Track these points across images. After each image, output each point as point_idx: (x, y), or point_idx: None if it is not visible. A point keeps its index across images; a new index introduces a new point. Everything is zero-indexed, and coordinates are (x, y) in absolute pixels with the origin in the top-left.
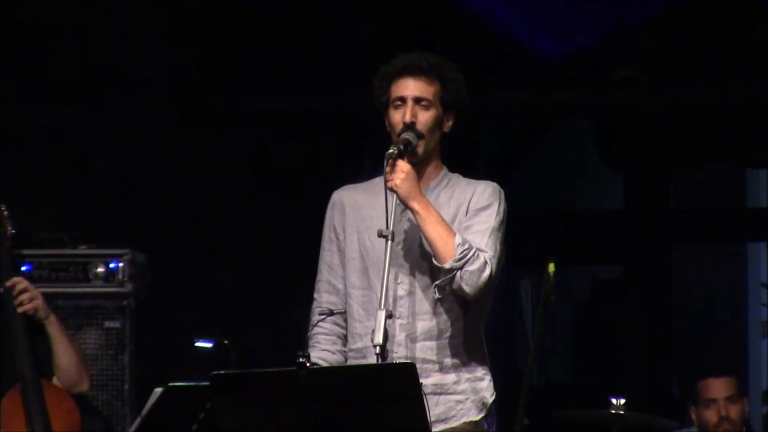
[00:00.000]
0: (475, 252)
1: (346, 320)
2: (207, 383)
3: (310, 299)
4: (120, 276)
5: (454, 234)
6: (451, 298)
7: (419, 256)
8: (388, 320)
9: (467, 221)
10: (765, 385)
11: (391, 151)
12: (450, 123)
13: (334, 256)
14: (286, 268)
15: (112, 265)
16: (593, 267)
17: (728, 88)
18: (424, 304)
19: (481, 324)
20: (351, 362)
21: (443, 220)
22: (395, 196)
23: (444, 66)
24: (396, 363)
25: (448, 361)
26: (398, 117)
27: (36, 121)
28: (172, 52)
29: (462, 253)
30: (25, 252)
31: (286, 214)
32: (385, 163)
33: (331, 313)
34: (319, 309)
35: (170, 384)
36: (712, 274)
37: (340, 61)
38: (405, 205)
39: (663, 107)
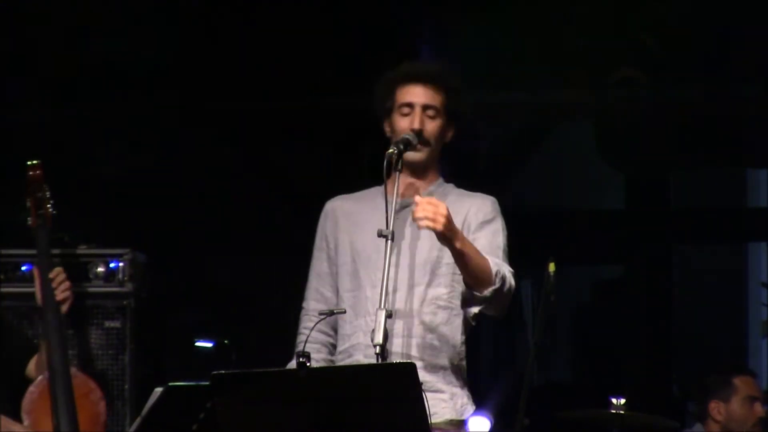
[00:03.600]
0: (503, 276)
1: (334, 328)
2: (207, 383)
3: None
4: (120, 276)
5: (488, 260)
6: (437, 302)
7: (410, 257)
8: (375, 315)
9: (474, 234)
10: (765, 385)
11: (391, 150)
12: (450, 134)
13: (323, 265)
14: (287, 268)
15: (112, 265)
16: (593, 267)
17: (728, 88)
18: (409, 303)
19: (463, 335)
20: (340, 364)
21: (477, 249)
22: (395, 197)
23: (450, 76)
24: (396, 363)
25: (430, 360)
26: (405, 123)
27: (36, 121)
28: (172, 51)
29: (500, 281)
30: (26, 252)
31: (286, 214)
32: (385, 162)
33: (331, 312)
34: (306, 317)
35: (170, 384)
36: (712, 274)
37: (339, 62)
38: (445, 243)
39: (663, 107)
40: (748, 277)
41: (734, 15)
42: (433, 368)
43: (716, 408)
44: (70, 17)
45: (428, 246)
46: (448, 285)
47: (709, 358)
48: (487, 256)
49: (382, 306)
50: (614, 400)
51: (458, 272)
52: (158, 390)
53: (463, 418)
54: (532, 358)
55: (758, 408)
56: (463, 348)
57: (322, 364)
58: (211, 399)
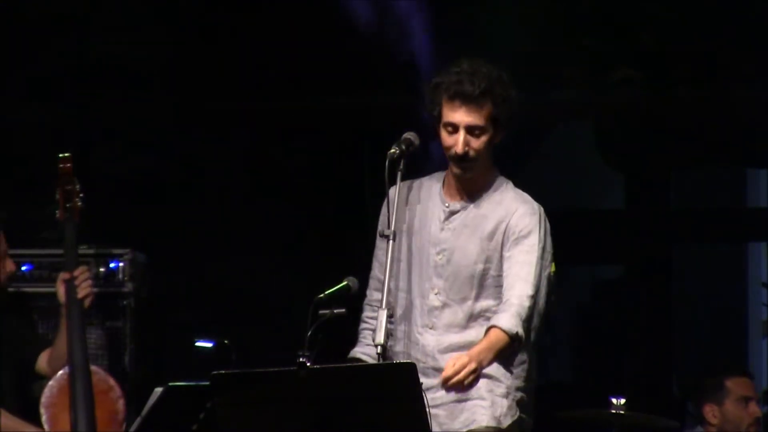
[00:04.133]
0: (518, 331)
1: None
2: (207, 383)
3: (311, 298)
4: (120, 276)
5: (502, 334)
6: (486, 315)
7: (457, 270)
8: (423, 330)
9: (509, 251)
10: (765, 385)
11: (392, 151)
12: (501, 136)
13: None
14: (287, 268)
15: (112, 265)
16: (593, 267)
17: (728, 88)
18: (457, 317)
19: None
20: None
21: (490, 347)
22: (396, 194)
23: (496, 84)
24: (396, 363)
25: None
26: (450, 141)
27: (36, 121)
28: (172, 51)
29: (518, 337)
30: (25, 252)
31: (285, 214)
32: (387, 162)
33: (332, 313)
34: (368, 306)
35: (170, 384)
36: (712, 274)
37: (340, 61)
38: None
39: (663, 107)
40: (748, 277)
41: (734, 14)
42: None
43: (711, 411)
44: (70, 17)
45: (473, 259)
46: (495, 297)
47: (709, 358)
48: (506, 298)
49: (384, 306)
50: (614, 400)
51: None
52: (158, 390)
53: (502, 426)
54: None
55: (753, 408)
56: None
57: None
58: (211, 399)
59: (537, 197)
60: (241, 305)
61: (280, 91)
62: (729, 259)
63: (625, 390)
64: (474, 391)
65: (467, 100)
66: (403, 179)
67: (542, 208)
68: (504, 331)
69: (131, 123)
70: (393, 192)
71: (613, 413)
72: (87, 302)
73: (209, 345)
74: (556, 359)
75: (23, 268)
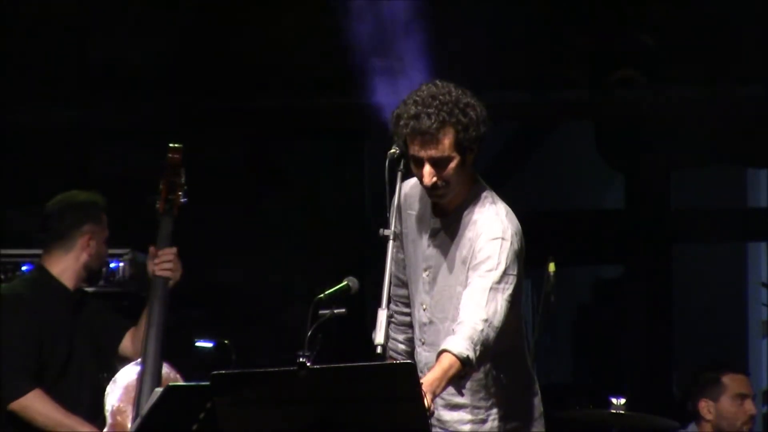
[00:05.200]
0: (468, 355)
1: (408, 305)
2: (207, 383)
3: (310, 298)
4: (120, 276)
5: (453, 359)
6: None
7: (441, 290)
8: (419, 343)
9: (469, 276)
10: (765, 385)
11: (393, 151)
12: (473, 156)
13: (399, 252)
14: (287, 268)
15: (112, 265)
16: (593, 267)
17: (728, 88)
18: (439, 337)
19: (500, 369)
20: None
21: (442, 375)
22: (397, 194)
23: (455, 110)
24: (396, 363)
25: (456, 399)
26: (418, 173)
27: (36, 121)
28: (172, 52)
29: (468, 360)
30: (26, 252)
31: (285, 214)
32: (386, 162)
33: (332, 313)
34: (390, 303)
35: (170, 384)
36: (712, 274)
37: (339, 61)
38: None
39: (663, 107)
40: (748, 277)
41: (734, 14)
42: (452, 406)
43: (706, 407)
44: (71, 18)
45: (454, 282)
46: None
47: (709, 359)
48: (457, 330)
49: (384, 305)
50: (614, 400)
51: None
52: (158, 390)
53: None
54: (532, 358)
55: (748, 405)
56: (489, 374)
57: (404, 345)
58: (211, 399)
59: (537, 197)
60: (241, 305)
61: (280, 91)
62: (729, 259)
63: (625, 390)
64: (460, 425)
65: (426, 135)
66: (403, 179)
67: (513, 228)
68: (455, 355)
69: (131, 123)
70: (395, 192)
71: (613, 413)
72: (171, 283)
73: (209, 345)
74: (556, 359)
75: (23, 268)
